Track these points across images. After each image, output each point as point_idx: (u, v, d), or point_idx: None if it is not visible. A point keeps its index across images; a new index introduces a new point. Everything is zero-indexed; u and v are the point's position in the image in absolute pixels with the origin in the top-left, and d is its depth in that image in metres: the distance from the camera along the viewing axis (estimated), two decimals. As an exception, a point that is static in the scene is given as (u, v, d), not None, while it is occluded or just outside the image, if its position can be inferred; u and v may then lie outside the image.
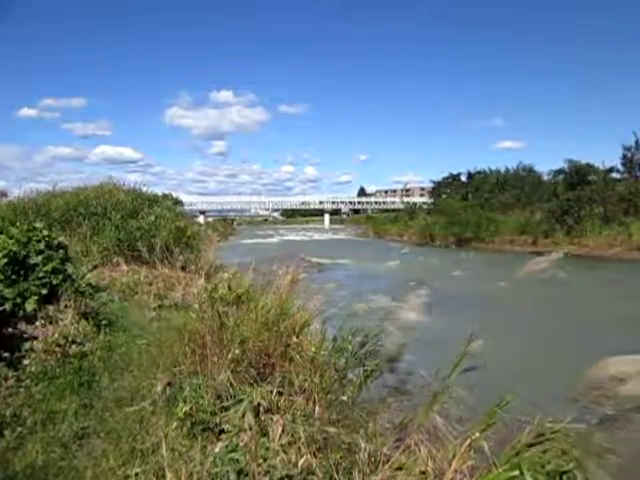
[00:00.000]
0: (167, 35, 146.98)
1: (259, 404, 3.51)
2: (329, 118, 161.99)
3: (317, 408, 3.61)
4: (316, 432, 3.27)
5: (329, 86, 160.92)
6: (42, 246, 5.63)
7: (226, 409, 3.50)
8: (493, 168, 51.92)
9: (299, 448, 3.09)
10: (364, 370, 4.23)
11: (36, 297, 5.06)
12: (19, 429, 3.27)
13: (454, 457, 2.88)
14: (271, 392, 3.68)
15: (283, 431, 3.26)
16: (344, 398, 3.88)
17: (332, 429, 3.35)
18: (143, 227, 10.95)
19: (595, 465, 2.48)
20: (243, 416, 3.38)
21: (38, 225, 5.96)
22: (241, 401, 3.53)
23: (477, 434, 2.87)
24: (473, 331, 3.19)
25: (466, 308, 11.71)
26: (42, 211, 11.20)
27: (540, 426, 2.78)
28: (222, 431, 3.35)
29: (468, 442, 2.87)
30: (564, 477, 2.50)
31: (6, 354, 4.24)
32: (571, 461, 2.54)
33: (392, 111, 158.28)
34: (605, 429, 2.59)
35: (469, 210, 41.11)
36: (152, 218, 11.51)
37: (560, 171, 40.80)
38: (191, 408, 3.49)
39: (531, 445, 2.74)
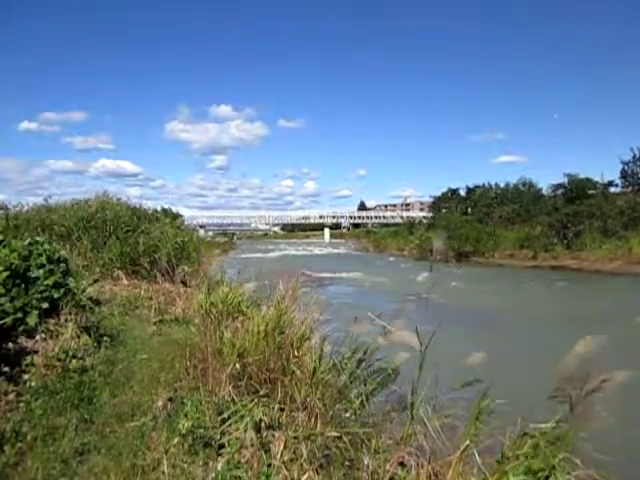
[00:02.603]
0: (167, 49, 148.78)
1: (260, 420, 3.48)
2: (329, 133, 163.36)
3: (319, 424, 3.58)
4: (318, 448, 3.25)
5: (328, 101, 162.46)
6: (43, 260, 5.63)
7: (228, 425, 3.47)
8: (492, 183, 52.28)
9: (301, 465, 3.07)
10: (365, 386, 4.21)
11: (37, 311, 5.04)
12: (19, 445, 3.23)
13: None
14: (272, 408, 3.65)
15: (285, 447, 3.24)
16: (347, 415, 3.86)
17: (334, 445, 3.32)
18: (147, 242, 10.95)
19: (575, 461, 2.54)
20: (245, 432, 3.35)
21: (39, 239, 5.96)
22: (242, 417, 3.50)
23: (467, 442, 2.87)
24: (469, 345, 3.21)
25: (463, 320, 11.68)
26: (39, 224, 11.21)
27: (524, 427, 2.81)
28: (222, 446, 3.33)
29: (458, 453, 2.87)
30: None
31: (6, 369, 4.22)
32: (555, 459, 2.58)
33: (392, 126, 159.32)
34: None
35: (468, 225, 41.19)
36: (157, 233, 11.53)
37: (560, 185, 41.03)
38: (192, 424, 3.47)
39: (519, 446, 2.76)
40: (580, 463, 2.62)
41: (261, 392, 3.88)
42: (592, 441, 2.64)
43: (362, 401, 4.02)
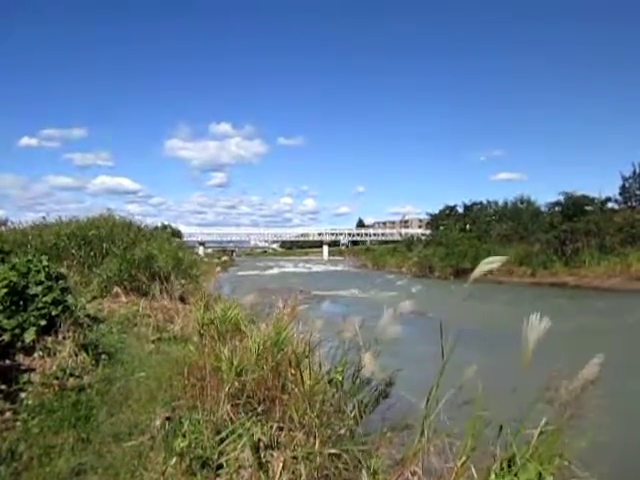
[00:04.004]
0: (167, 67, 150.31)
1: (259, 440, 3.45)
2: (327, 150, 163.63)
3: (317, 443, 3.55)
4: (317, 469, 3.22)
5: (327, 119, 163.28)
6: (42, 277, 5.63)
7: (226, 445, 3.44)
8: (490, 200, 52.49)
9: (300, 485, 3.04)
10: (362, 403, 4.18)
11: (35, 328, 5.02)
12: (15, 464, 3.20)
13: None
14: (271, 427, 3.62)
15: (284, 468, 3.21)
16: (342, 432, 3.82)
17: (333, 466, 3.29)
18: (142, 257, 10.95)
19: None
20: (243, 452, 3.32)
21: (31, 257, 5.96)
22: (241, 436, 3.47)
23: (464, 459, 2.84)
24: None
25: (461, 337, 11.60)
26: (36, 242, 11.24)
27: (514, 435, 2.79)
28: (220, 466, 3.29)
29: (456, 470, 2.84)
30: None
31: (3, 386, 4.20)
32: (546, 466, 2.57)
33: (390, 143, 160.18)
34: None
35: (467, 242, 41.25)
36: (152, 249, 11.55)
37: (557, 203, 41.19)
38: (190, 444, 3.43)
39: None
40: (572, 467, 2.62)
41: (259, 411, 3.86)
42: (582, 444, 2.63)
43: (359, 419, 3.99)
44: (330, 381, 4.31)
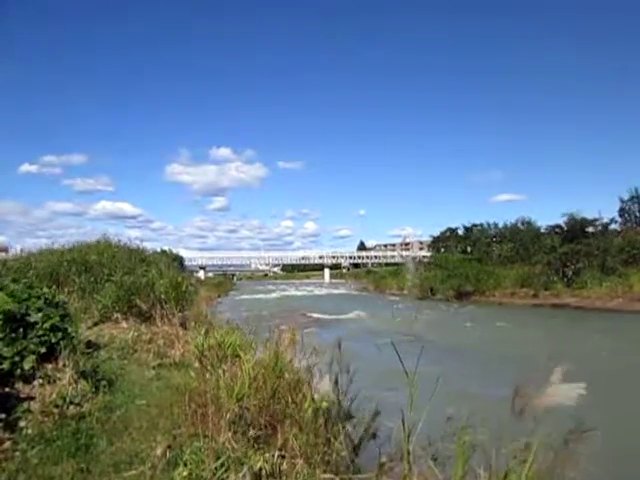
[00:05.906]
0: (167, 92, 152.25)
1: (260, 468, 3.41)
2: (328, 173, 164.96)
3: (318, 472, 3.51)
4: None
5: (327, 142, 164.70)
6: (41, 303, 5.63)
7: (227, 474, 3.40)
8: (491, 222, 52.56)
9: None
10: (357, 429, 4.14)
11: (34, 355, 5.00)
12: (13, 496, 3.16)
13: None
14: (273, 455, 3.58)
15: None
16: (341, 459, 3.78)
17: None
18: (141, 283, 10.94)
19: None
20: (244, 481, 3.28)
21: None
22: (242, 465, 3.43)
23: None
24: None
25: (460, 361, 11.54)
26: (36, 268, 11.29)
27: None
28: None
29: None
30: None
31: (2, 415, 4.16)
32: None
33: (391, 165, 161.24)
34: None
35: (468, 264, 41.21)
36: (150, 275, 11.56)
37: (557, 226, 41.33)
38: (190, 473, 3.39)
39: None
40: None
41: (261, 438, 3.82)
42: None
43: (358, 446, 3.95)
44: (317, 409, 4.27)
